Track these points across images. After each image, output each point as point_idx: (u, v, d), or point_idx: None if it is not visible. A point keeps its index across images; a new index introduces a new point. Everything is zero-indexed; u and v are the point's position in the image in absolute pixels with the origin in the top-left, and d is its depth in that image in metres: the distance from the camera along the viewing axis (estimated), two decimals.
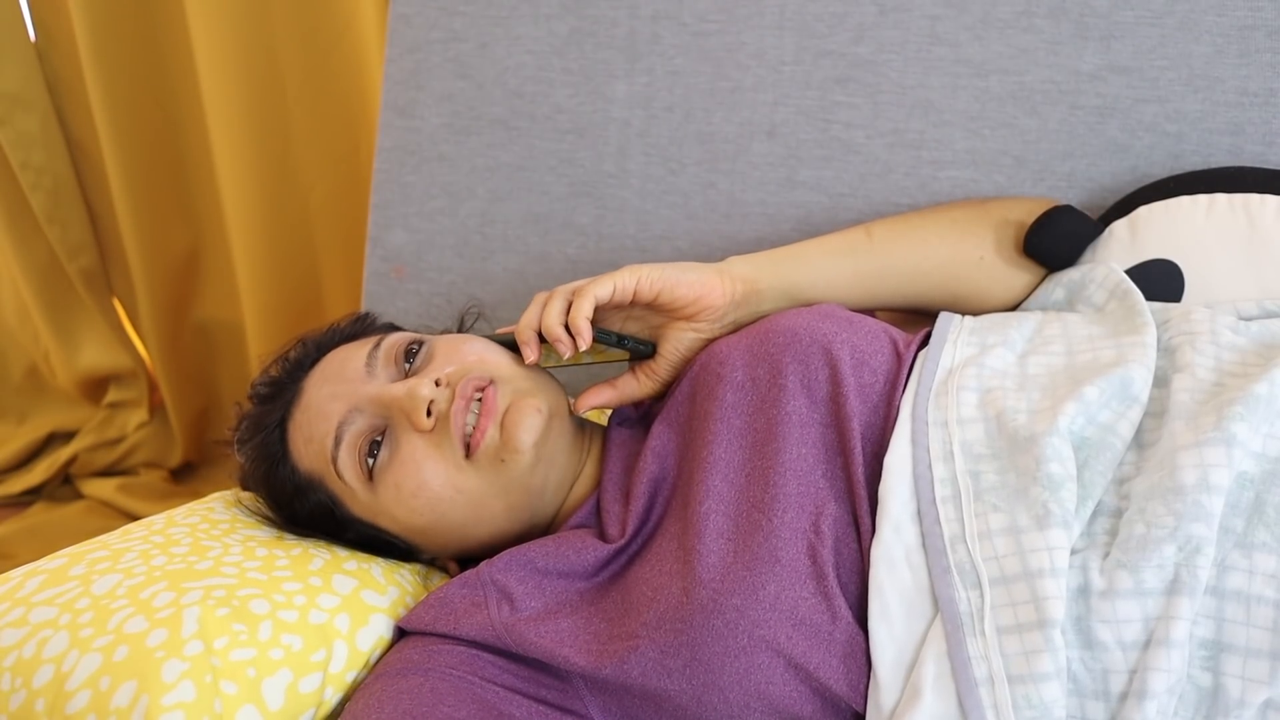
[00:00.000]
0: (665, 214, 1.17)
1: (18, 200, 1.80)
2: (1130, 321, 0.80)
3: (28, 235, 1.83)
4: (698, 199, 1.15)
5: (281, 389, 0.84)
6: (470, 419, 0.77)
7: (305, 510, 0.82)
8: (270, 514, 0.86)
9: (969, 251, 0.90)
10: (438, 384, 0.78)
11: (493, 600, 0.74)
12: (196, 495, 0.95)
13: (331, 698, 0.74)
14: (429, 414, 0.76)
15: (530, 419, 0.77)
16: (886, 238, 0.90)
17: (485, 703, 0.69)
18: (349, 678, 0.75)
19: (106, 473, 1.94)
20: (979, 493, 0.68)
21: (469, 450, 0.77)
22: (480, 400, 0.78)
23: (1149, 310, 0.81)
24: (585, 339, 0.77)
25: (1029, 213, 0.92)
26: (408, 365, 0.81)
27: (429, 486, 0.77)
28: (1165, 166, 0.97)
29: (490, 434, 0.77)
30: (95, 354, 1.92)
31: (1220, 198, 0.89)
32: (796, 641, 0.65)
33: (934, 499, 0.68)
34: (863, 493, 0.71)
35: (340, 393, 0.80)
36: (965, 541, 0.66)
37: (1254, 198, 0.88)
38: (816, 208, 1.10)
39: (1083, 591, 0.63)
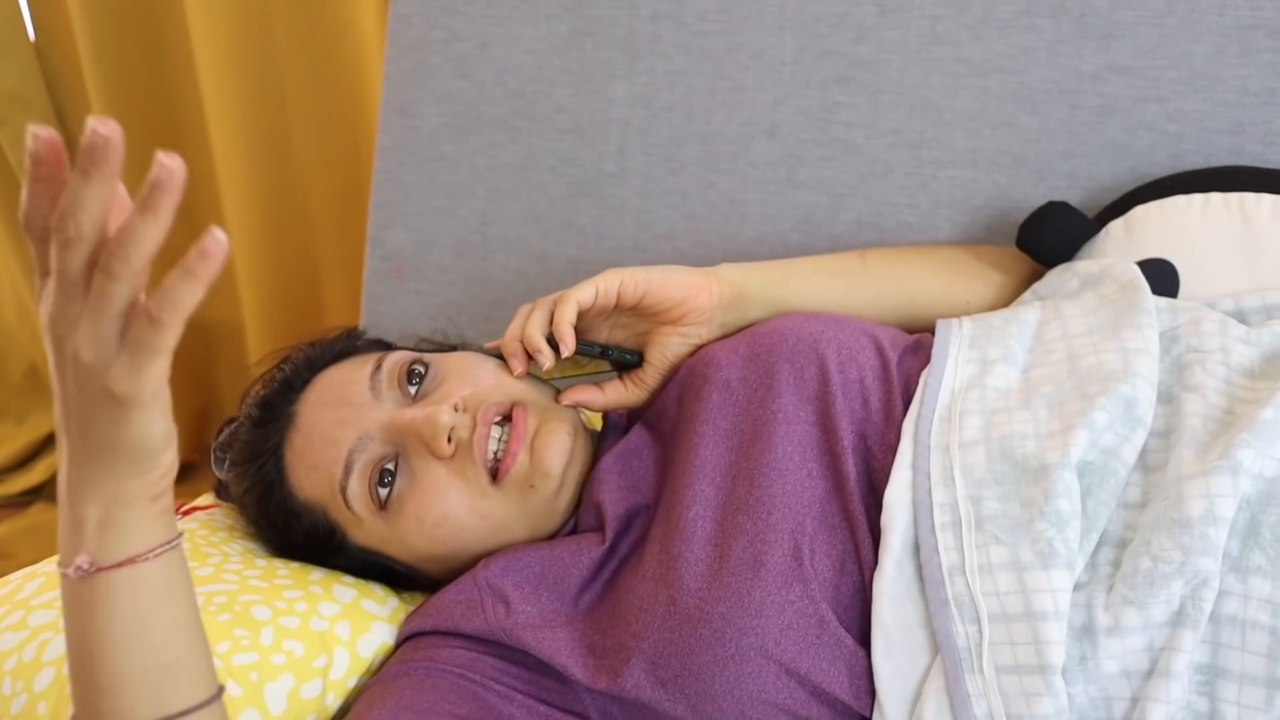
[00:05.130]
0: (665, 214, 1.17)
1: (18, 200, 1.79)
2: (1132, 318, 0.77)
3: None
4: (698, 199, 1.15)
5: (275, 412, 0.80)
6: (493, 445, 0.75)
7: (299, 536, 0.80)
8: (260, 535, 0.84)
9: (957, 294, 0.90)
10: (456, 409, 0.75)
11: (488, 602, 0.74)
12: (195, 495, 0.95)
13: (333, 704, 0.74)
14: (449, 441, 0.74)
15: (561, 441, 0.76)
16: (880, 264, 0.90)
17: (485, 701, 0.69)
18: (350, 684, 0.75)
19: None
20: (979, 521, 0.65)
21: (496, 475, 0.75)
22: (502, 424, 0.76)
23: (1154, 310, 0.78)
24: (569, 345, 0.75)
25: (1018, 266, 0.93)
26: (413, 388, 0.78)
27: (453, 515, 0.75)
28: (1165, 166, 0.97)
29: (521, 459, 0.75)
30: None
31: (1215, 196, 0.89)
32: (786, 646, 0.64)
33: (933, 526, 0.66)
34: (853, 487, 0.70)
35: (347, 418, 0.76)
36: (964, 573, 0.64)
37: (1249, 196, 0.88)
38: (816, 208, 1.10)
39: (1087, 630, 0.61)
